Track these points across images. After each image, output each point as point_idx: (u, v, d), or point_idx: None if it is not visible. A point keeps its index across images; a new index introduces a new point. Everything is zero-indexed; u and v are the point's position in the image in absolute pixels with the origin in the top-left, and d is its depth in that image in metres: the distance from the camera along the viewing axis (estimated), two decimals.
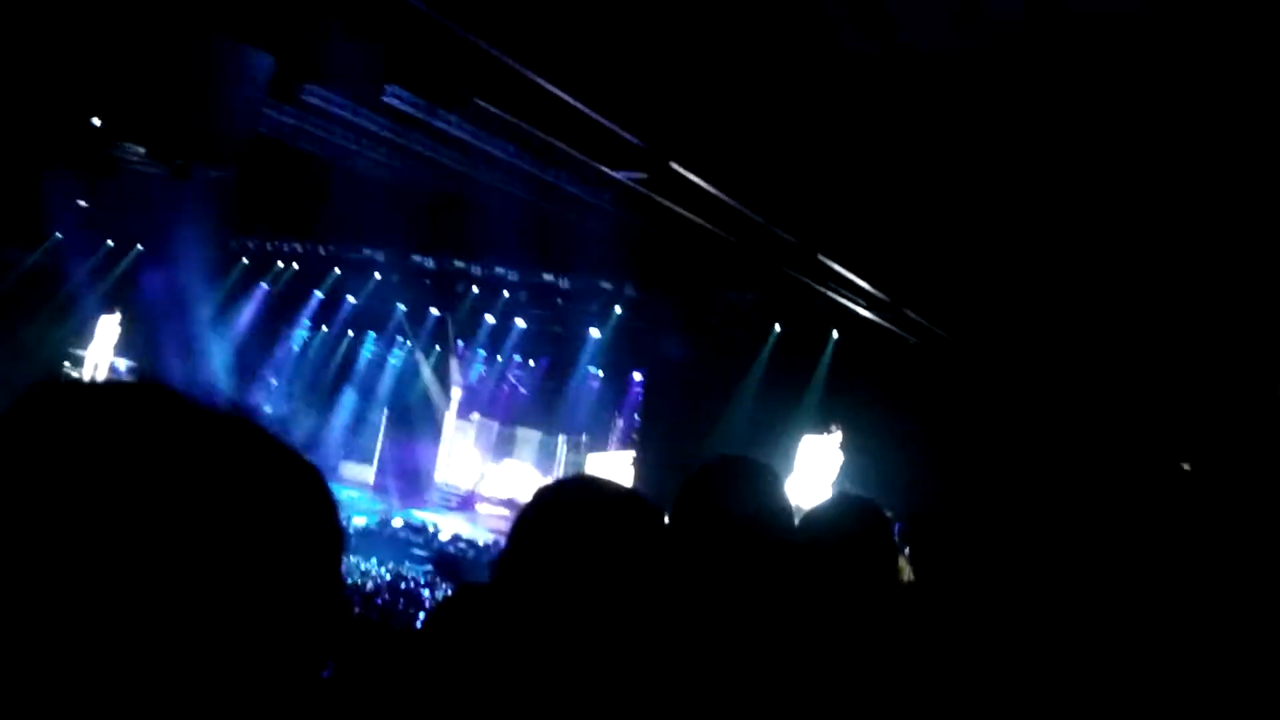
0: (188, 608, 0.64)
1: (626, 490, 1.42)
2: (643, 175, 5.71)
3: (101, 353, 19.11)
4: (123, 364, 19.09)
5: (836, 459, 12.00)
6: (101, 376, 18.89)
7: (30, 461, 0.64)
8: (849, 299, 10.49)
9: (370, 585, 12.30)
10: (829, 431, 12.03)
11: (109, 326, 19.10)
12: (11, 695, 0.59)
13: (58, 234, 18.58)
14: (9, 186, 15.23)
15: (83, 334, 19.14)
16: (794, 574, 2.04)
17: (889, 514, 2.38)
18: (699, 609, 1.27)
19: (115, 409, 0.70)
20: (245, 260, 18.46)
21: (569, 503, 1.36)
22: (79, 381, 0.75)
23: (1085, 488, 8.36)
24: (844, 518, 2.34)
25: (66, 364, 19.00)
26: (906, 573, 3.01)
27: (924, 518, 2.88)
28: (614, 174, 5.70)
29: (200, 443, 0.69)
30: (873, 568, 2.31)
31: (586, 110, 4.54)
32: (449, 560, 13.65)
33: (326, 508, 0.74)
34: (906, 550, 2.97)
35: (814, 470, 12.20)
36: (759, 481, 2.07)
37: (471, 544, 15.35)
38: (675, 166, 5.57)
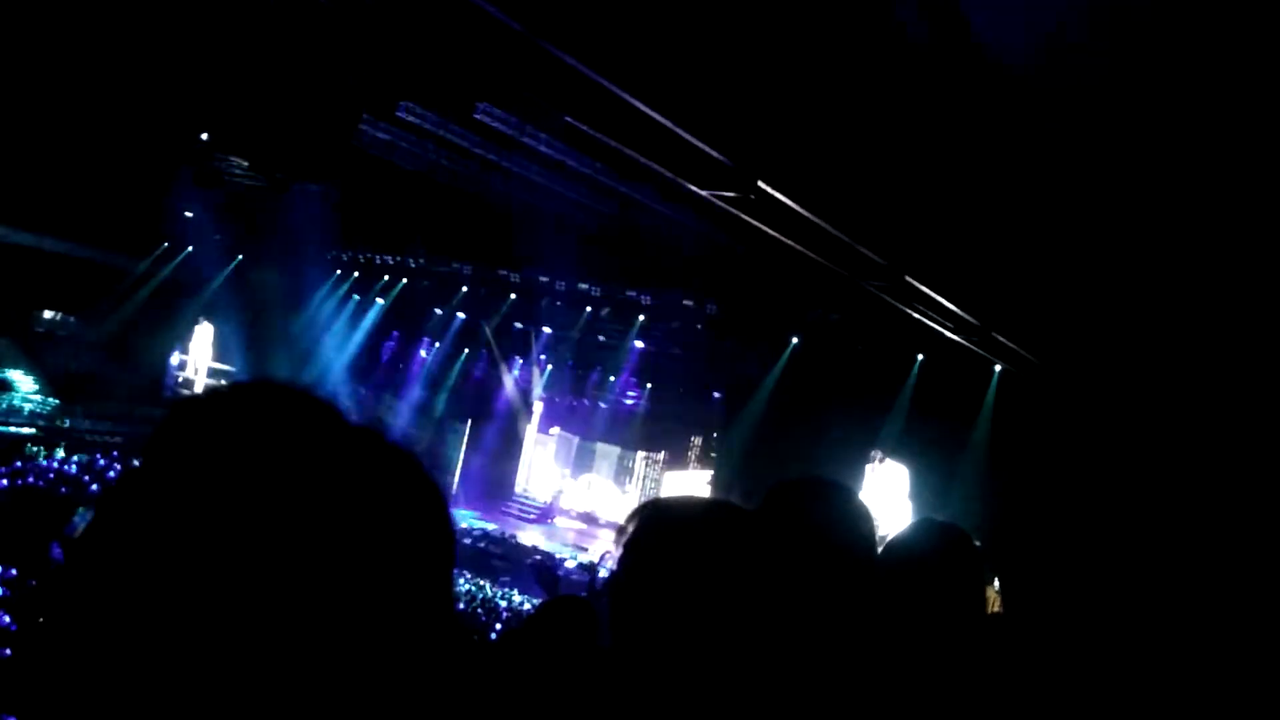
0: (333, 588, 0.71)
1: (731, 506, 1.42)
2: (731, 194, 5.72)
3: (201, 357, 19.86)
4: (222, 368, 19.82)
5: (905, 485, 11.80)
6: (201, 381, 19.64)
7: (228, 453, 0.73)
8: (936, 321, 10.30)
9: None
10: (904, 459, 11.83)
11: (205, 333, 19.86)
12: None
13: (164, 243, 19.44)
14: (122, 196, 15.98)
15: (184, 339, 19.93)
16: (876, 598, 2.00)
17: (977, 542, 2.31)
18: (784, 627, 1.26)
19: (290, 422, 0.79)
20: (339, 271, 19.02)
21: (682, 520, 1.36)
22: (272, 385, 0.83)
23: (1185, 521, 8.05)
24: (929, 543, 2.28)
25: (171, 368, 19.82)
26: (995, 604, 2.92)
27: (1016, 547, 2.78)
28: (702, 193, 5.73)
29: (347, 453, 0.78)
30: (959, 596, 2.25)
31: (676, 129, 4.57)
32: (547, 571, 13.78)
33: (445, 520, 0.81)
34: (995, 581, 2.88)
35: (890, 494, 12.00)
36: (840, 501, 2.04)
37: (550, 556, 15.47)
38: (764, 186, 5.57)
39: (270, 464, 0.73)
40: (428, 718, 0.77)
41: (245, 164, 13.27)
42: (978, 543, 2.40)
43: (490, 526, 17.42)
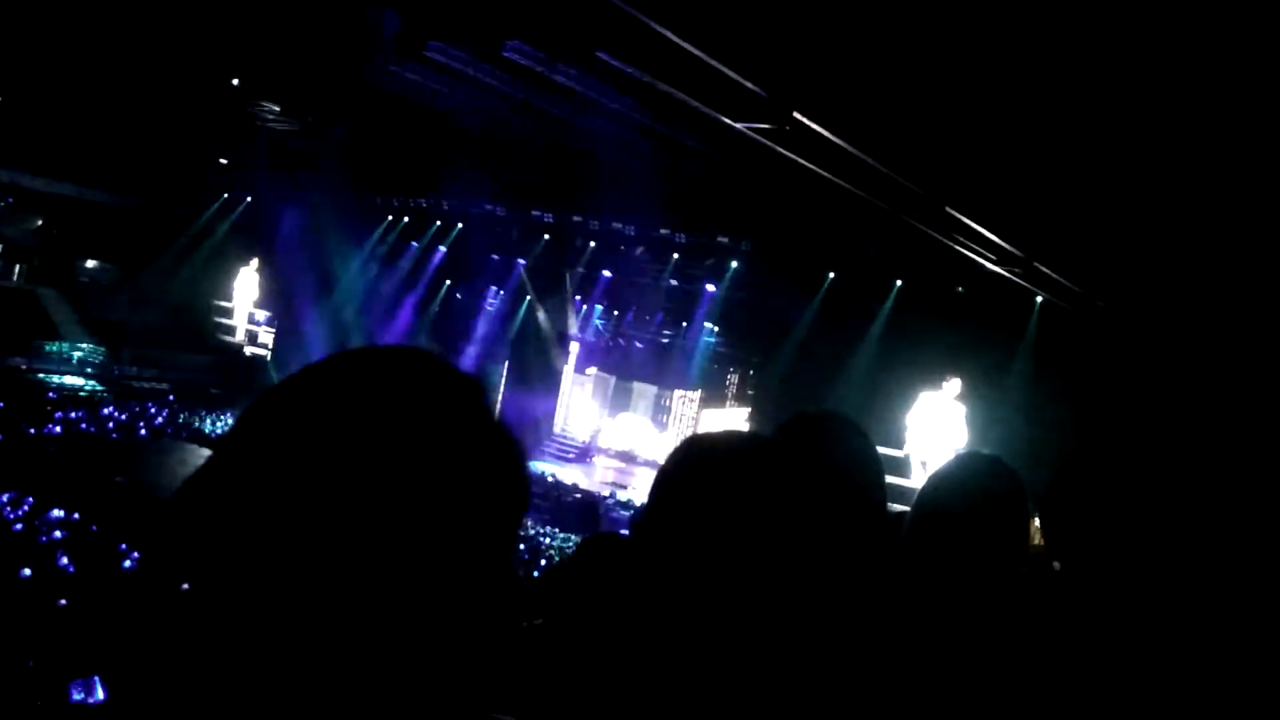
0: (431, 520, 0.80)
1: (770, 439, 1.41)
2: (766, 126, 5.61)
3: (244, 303, 20.10)
4: (261, 315, 20.07)
5: (958, 417, 11.65)
6: (242, 327, 19.91)
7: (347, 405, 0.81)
8: (977, 253, 10.13)
9: None
10: (944, 386, 11.63)
11: (248, 277, 20.05)
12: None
13: (205, 192, 19.59)
14: (159, 144, 16.09)
15: (226, 285, 20.16)
16: (885, 534, 1.99)
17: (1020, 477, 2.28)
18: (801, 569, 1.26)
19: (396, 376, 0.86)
20: (375, 214, 19.09)
21: (717, 453, 1.35)
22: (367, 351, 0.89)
23: (1240, 463, 7.91)
24: (972, 477, 2.26)
25: (214, 314, 20.11)
26: (1036, 538, 2.88)
27: (1062, 480, 2.64)
28: (737, 125, 5.62)
29: (454, 406, 0.85)
30: (1004, 532, 2.23)
31: (710, 60, 4.47)
32: (587, 509, 13.95)
33: (522, 473, 0.89)
34: (1035, 518, 2.83)
35: (934, 428, 11.90)
36: (842, 437, 2.03)
37: (589, 494, 15.65)
38: (799, 117, 5.45)
39: (380, 413, 0.81)
40: (484, 651, 0.83)
41: (277, 109, 13.25)
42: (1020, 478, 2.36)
43: (531, 466, 17.63)
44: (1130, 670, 2.04)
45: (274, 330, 20.03)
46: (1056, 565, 2.59)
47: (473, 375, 0.89)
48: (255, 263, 19.95)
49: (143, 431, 14.09)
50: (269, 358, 19.62)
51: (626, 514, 13.94)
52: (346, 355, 0.87)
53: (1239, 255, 8.22)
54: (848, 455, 2.16)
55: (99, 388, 16.78)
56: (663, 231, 16.08)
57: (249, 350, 19.81)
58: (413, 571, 0.78)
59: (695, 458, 1.33)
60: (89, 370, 17.71)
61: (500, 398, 19.86)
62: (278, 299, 19.83)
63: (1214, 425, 8.62)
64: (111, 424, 13.91)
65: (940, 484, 2.33)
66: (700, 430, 17.23)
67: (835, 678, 1.52)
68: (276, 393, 0.84)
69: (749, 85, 4.85)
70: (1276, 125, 6.12)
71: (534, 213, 16.97)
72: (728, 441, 1.36)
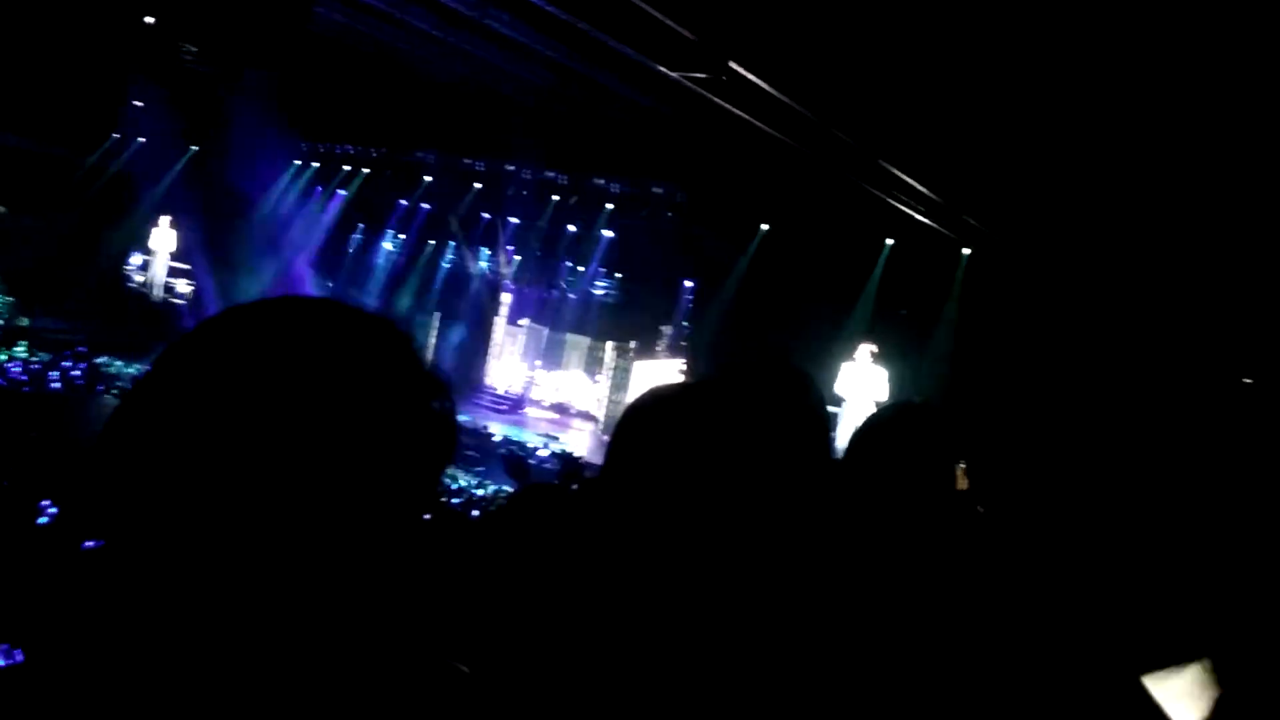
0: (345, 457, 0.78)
1: (725, 393, 1.41)
2: (701, 75, 5.55)
3: (161, 255, 19.44)
4: (180, 267, 19.45)
5: (880, 379, 11.90)
6: (160, 280, 19.28)
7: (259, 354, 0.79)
8: (908, 206, 10.26)
9: None
10: (856, 355, 11.91)
11: (165, 231, 19.38)
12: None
13: (115, 135, 18.77)
14: (68, 87, 15.34)
15: (142, 236, 19.45)
16: (831, 484, 2.02)
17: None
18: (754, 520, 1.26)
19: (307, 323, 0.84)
20: (298, 162, 18.55)
21: (672, 407, 1.35)
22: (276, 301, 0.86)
23: (1142, 403, 8.21)
24: (902, 421, 2.31)
25: (129, 265, 19.40)
26: (961, 481, 2.98)
27: (983, 428, 2.79)
28: (672, 74, 5.55)
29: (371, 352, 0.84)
30: (930, 470, 2.28)
31: (645, 6, 4.40)
32: (518, 461, 13.97)
33: (449, 419, 0.89)
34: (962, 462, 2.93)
35: (862, 380, 12.12)
36: (797, 390, 2.05)
37: (522, 446, 15.62)
38: (735, 66, 5.40)
39: (293, 359, 0.79)
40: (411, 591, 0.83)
41: (194, 49, 12.72)
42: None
43: (462, 418, 17.52)
44: (1041, 605, 2.13)
45: (192, 282, 19.44)
46: (980, 509, 2.68)
47: (397, 323, 0.88)
48: (174, 212, 19.28)
49: (56, 384, 13.61)
50: (186, 307, 19.05)
51: (557, 466, 13.96)
52: (264, 302, 0.84)
53: (1164, 207, 8.47)
54: (802, 411, 2.17)
55: (8, 338, 16.12)
56: (596, 181, 15.95)
57: (163, 299, 19.21)
58: (334, 517, 0.77)
59: (653, 414, 1.33)
60: None
61: (432, 347, 19.65)
62: (200, 250, 19.23)
63: (1131, 377, 8.93)
64: (26, 375, 13.40)
65: (872, 426, 2.38)
66: (631, 383, 17.37)
67: (787, 625, 1.54)
68: (191, 338, 0.81)
69: (685, 33, 4.79)
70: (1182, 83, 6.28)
71: (464, 161, 16.68)
72: (686, 397, 1.36)
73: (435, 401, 0.86)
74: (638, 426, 1.30)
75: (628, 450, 1.29)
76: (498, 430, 16.39)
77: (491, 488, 13.48)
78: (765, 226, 14.60)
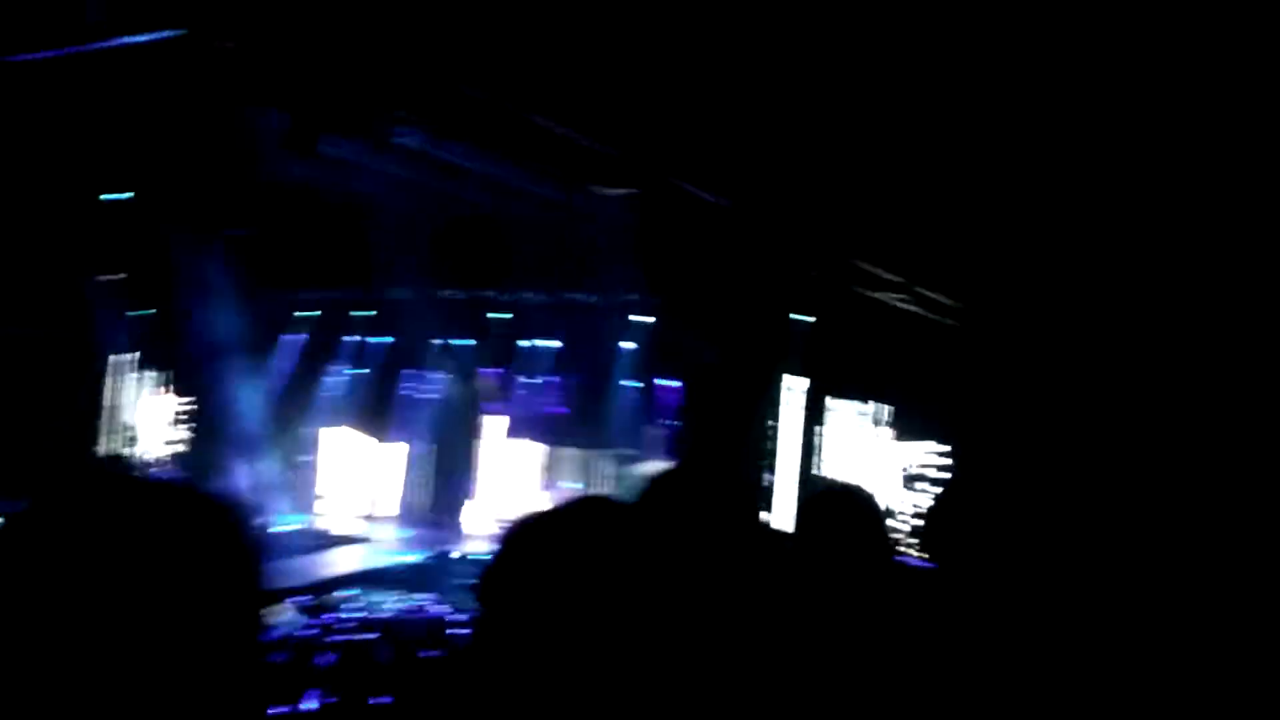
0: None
1: (603, 500, 1.46)
2: (635, 191, 5.76)
3: (155, 419, 19.56)
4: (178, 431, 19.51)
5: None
6: (158, 444, 19.33)
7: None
8: (881, 293, 10.45)
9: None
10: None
11: (155, 396, 19.53)
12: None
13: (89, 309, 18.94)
14: (32, 268, 15.59)
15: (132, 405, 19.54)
16: (780, 574, 2.09)
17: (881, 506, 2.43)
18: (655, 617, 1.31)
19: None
20: (274, 313, 18.83)
21: (549, 517, 1.40)
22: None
23: (1103, 480, 8.15)
24: (838, 510, 2.39)
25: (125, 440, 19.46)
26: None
27: (942, 498, 2.89)
28: (609, 191, 5.78)
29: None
30: (871, 557, 2.35)
31: (566, 131, 4.62)
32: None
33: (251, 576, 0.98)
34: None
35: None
36: (732, 493, 2.12)
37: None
38: (673, 180, 5.61)
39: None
40: None
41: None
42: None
43: (467, 549, 17.39)
44: (991, 655, 2.18)
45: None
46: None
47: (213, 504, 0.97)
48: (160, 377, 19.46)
49: None
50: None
51: None
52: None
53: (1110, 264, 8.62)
54: (721, 505, 2.23)
55: None
56: (573, 296, 16.26)
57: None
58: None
59: (530, 524, 1.38)
60: None
61: (431, 480, 19.61)
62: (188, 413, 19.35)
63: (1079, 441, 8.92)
64: None
65: (813, 510, 2.45)
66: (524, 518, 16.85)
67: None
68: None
69: (608, 151, 5.00)
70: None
71: (442, 292, 17.00)
72: (559, 508, 1.41)
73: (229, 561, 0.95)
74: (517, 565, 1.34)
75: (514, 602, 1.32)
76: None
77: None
78: (749, 324, 14.72)
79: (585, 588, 1.27)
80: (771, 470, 13.12)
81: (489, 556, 1.42)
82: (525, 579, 1.31)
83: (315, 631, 10.37)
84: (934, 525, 2.79)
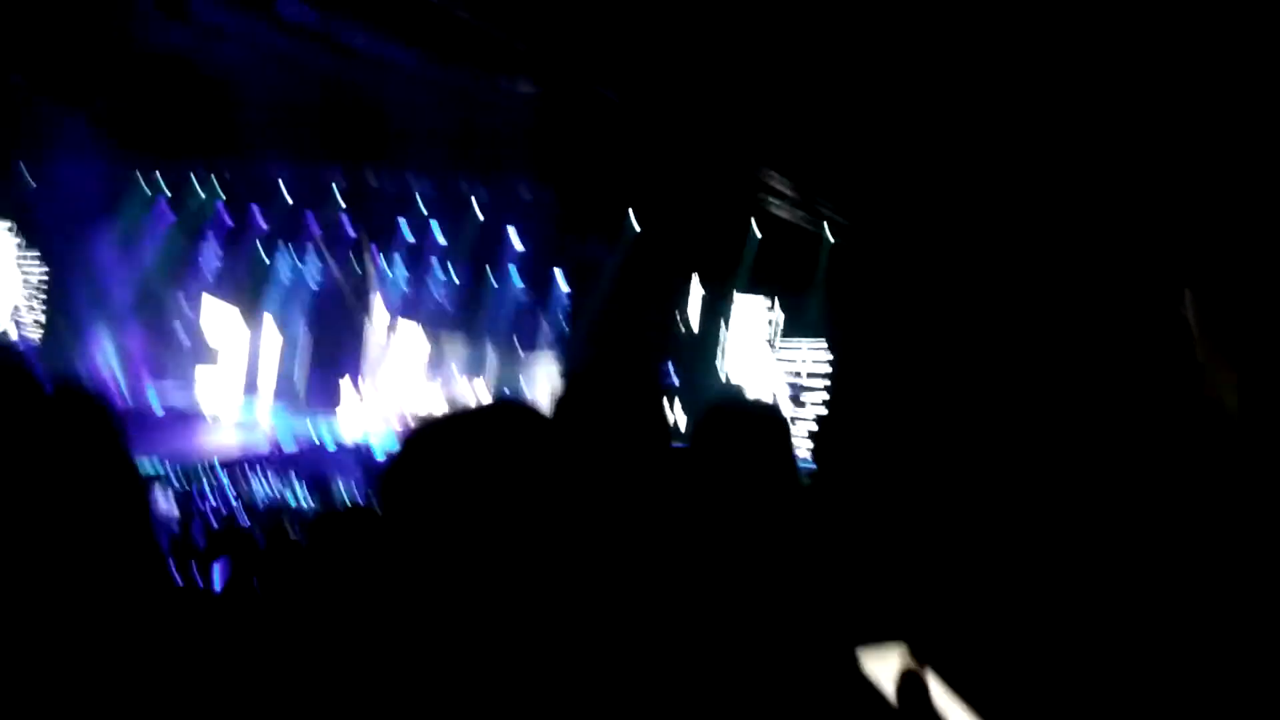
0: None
1: (515, 404, 1.39)
2: (540, 88, 5.57)
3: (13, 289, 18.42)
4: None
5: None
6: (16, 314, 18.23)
7: None
8: (772, 198, 10.51)
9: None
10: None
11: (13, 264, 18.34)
12: None
13: None
14: None
15: None
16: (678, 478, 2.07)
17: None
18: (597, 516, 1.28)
19: None
20: (146, 185, 17.76)
21: (453, 419, 1.33)
22: None
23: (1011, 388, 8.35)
24: (741, 416, 2.36)
25: None
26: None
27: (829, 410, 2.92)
28: (514, 84, 5.56)
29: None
30: (774, 467, 2.34)
31: (476, 20, 4.40)
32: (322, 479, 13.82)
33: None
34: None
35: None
36: (633, 395, 2.09)
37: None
38: (576, 75, 5.44)
39: None
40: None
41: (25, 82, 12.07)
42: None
43: (340, 433, 17.19)
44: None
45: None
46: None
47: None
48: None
49: None
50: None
51: None
52: None
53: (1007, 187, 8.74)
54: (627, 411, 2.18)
55: None
56: (461, 185, 15.83)
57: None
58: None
59: (434, 425, 1.32)
60: None
61: (306, 366, 19.12)
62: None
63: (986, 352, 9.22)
64: None
65: (710, 422, 2.39)
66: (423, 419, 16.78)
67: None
68: None
69: (518, 44, 4.80)
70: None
71: (326, 173, 16.32)
72: (462, 411, 1.34)
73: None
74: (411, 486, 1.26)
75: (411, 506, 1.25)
76: (379, 443, 16.05)
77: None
78: (634, 218, 14.61)
79: (496, 495, 1.20)
80: (679, 370, 13.25)
81: (381, 453, 1.35)
82: (435, 483, 1.22)
83: (180, 515, 10.11)
84: (821, 431, 2.84)
